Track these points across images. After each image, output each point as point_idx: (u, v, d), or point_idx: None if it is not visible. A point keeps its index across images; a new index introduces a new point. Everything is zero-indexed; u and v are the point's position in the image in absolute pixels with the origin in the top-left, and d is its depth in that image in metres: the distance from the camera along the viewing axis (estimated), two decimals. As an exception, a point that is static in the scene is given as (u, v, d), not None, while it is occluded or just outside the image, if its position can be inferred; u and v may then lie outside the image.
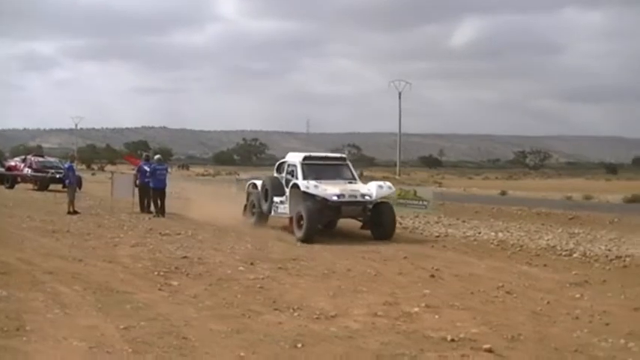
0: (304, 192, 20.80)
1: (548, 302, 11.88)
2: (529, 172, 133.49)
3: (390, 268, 15.48)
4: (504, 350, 8.79)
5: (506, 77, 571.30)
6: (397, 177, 70.31)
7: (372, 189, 21.52)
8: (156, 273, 13.72)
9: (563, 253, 18.08)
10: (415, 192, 32.84)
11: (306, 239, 19.64)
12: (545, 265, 16.24)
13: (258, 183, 24.20)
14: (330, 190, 20.73)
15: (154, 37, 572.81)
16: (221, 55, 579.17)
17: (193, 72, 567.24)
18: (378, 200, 21.69)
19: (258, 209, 23.44)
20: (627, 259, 16.91)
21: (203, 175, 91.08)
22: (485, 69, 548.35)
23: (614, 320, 10.61)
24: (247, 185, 25.81)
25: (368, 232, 21.47)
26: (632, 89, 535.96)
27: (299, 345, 8.77)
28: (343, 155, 24.96)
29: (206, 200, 29.25)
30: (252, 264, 15.22)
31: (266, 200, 22.96)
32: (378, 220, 21.20)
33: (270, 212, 22.96)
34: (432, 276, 14.47)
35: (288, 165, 22.80)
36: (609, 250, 18.37)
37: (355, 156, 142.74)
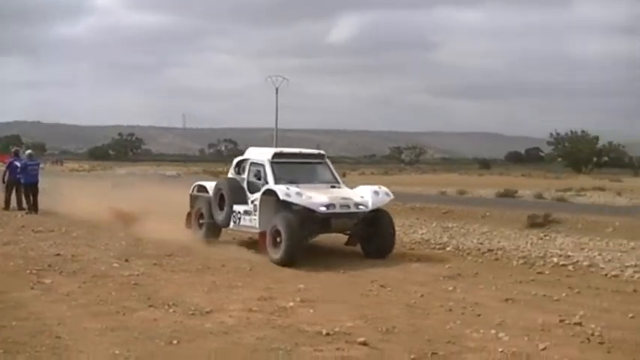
0: (280, 200, 16.28)
1: (422, 295, 12.13)
2: (405, 168, 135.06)
3: (265, 263, 15.52)
4: (379, 343, 8.96)
5: (384, 73, 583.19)
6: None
7: (367, 196, 17.01)
8: (28, 271, 13.47)
9: (437, 247, 18.48)
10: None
11: (286, 261, 15.47)
12: (419, 259, 16.50)
13: (209, 186, 19.37)
14: (315, 198, 16.38)
15: (27, 29, 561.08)
16: (97, 48, 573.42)
17: (69, 65, 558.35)
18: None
19: (209, 220, 18.70)
20: (498, 251, 17.39)
21: (77, 170, 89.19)
22: (363, 65, 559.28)
23: (485, 311, 10.93)
24: (192, 188, 20.26)
25: (347, 248, 17.62)
26: (509, 87, 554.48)
27: (174, 341, 8.76)
28: (322, 152, 19.60)
29: (80, 196, 28.59)
30: (126, 260, 15.08)
31: (221, 209, 18.13)
32: (375, 233, 17.01)
33: (227, 224, 18.19)
34: (307, 270, 14.59)
35: (252, 164, 17.98)
36: (481, 243, 18.85)
37: (231, 151, 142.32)
